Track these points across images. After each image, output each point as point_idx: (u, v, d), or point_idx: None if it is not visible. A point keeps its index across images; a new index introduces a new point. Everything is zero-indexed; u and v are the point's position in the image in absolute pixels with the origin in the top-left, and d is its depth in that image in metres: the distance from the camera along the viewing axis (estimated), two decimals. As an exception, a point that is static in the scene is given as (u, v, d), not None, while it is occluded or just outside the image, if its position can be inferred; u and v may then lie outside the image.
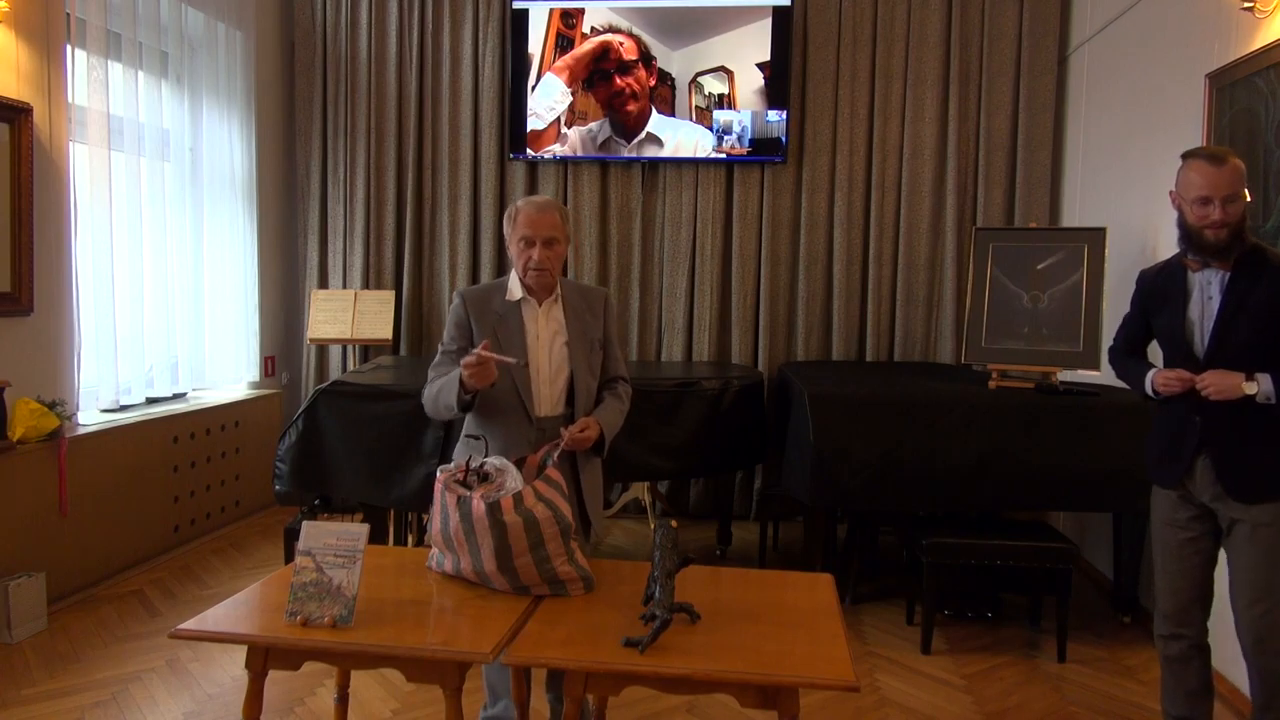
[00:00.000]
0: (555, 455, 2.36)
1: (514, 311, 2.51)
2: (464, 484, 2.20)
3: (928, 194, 5.35)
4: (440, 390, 2.46)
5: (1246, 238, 2.43)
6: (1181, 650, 2.59)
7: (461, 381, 2.35)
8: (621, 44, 5.34)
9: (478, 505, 2.10)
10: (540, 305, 2.52)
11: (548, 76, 5.39)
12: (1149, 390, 2.58)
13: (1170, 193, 2.49)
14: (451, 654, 1.86)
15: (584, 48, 5.36)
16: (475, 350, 2.31)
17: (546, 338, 2.52)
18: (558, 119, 5.41)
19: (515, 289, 2.53)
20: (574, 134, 5.41)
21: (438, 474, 2.24)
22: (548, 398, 2.51)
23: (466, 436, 2.55)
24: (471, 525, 2.11)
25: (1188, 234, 2.45)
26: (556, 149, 5.42)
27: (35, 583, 3.62)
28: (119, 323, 4.45)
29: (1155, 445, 2.63)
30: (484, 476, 2.20)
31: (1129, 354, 2.76)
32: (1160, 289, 2.61)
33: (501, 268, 5.54)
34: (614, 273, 5.57)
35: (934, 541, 3.59)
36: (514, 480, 2.17)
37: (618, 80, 5.35)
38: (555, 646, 1.89)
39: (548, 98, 5.40)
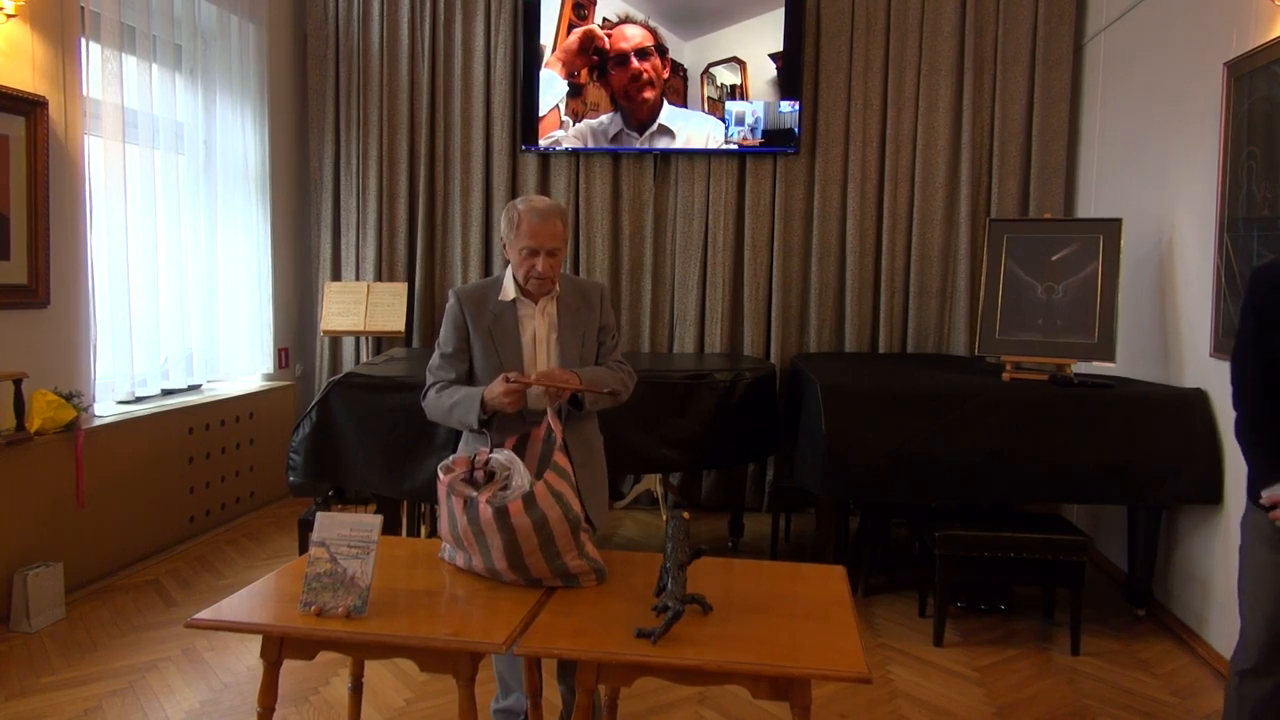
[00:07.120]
0: (557, 434, 2.29)
1: (509, 311, 2.52)
2: (470, 481, 2.19)
3: (941, 185, 5.32)
4: (454, 407, 2.45)
5: None
6: (1265, 694, 2.11)
7: (483, 402, 2.35)
8: (608, 35, 5.32)
9: (484, 510, 2.08)
10: (536, 304, 2.52)
11: (544, 73, 5.38)
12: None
13: None
14: (464, 644, 1.87)
15: (570, 38, 5.34)
16: (511, 376, 2.32)
17: (543, 335, 2.53)
18: (556, 106, 5.39)
19: (510, 289, 2.52)
20: (584, 126, 5.40)
21: (439, 474, 2.21)
22: (544, 393, 2.50)
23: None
24: (480, 528, 2.10)
25: None
26: (559, 134, 5.41)
27: (53, 573, 3.66)
28: (134, 315, 4.48)
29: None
30: (490, 474, 2.19)
31: (1265, 423, 2.15)
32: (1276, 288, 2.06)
33: (513, 260, 5.54)
34: (626, 264, 5.56)
35: (946, 533, 3.58)
36: (520, 477, 2.14)
37: (635, 63, 5.32)
38: (567, 637, 1.90)
39: (547, 92, 5.40)
